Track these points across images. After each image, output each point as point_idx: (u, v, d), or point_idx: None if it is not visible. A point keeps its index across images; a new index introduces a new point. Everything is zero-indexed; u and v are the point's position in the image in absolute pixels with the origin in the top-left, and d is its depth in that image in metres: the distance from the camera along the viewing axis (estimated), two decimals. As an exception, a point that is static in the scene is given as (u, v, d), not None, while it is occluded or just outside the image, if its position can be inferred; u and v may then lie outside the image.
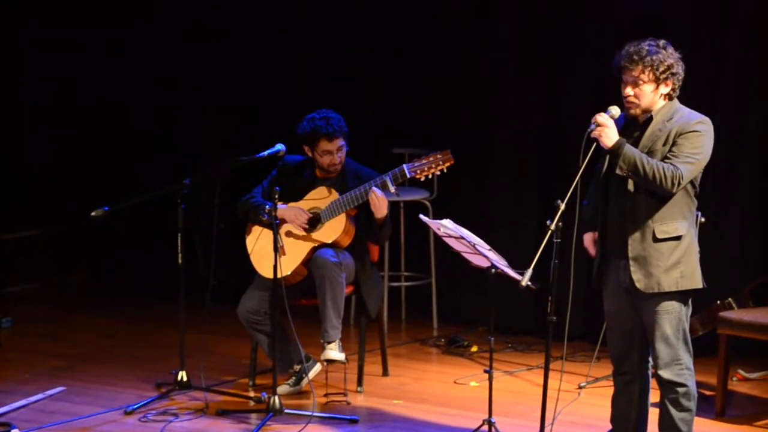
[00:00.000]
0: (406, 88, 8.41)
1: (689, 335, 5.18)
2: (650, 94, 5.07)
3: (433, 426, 6.18)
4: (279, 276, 6.09)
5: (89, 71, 9.27)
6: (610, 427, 5.46)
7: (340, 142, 6.51)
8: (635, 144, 5.07)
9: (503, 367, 7.19)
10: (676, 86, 5.12)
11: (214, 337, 7.56)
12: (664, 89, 5.09)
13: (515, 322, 7.90)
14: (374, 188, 6.34)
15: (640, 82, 5.06)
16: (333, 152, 6.51)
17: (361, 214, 6.54)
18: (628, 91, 5.08)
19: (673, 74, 5.08)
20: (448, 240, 5.53)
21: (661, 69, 5.05)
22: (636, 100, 5.08)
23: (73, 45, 9.20)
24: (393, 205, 7.87)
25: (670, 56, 5.08)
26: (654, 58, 5.04)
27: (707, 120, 5.09)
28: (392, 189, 6.38)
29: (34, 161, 9.26)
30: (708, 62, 7.23)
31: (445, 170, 6.37)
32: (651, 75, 5.05)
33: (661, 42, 5.10)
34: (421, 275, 8.28)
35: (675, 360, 5.13)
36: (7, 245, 9.08)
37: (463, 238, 5.37)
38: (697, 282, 5.12)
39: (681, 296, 5.11)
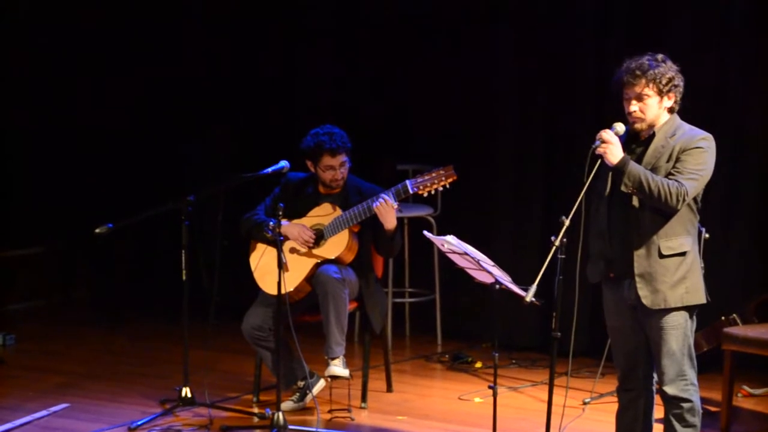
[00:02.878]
0: (410, 105, 8.43)
1: (694, 351, 5.18)
2: (655, 108, 5.09)
3: (437, 442, 6.18)
4: (283, 292, 6.09)
5: (90, 86, 9.29)
6: (615, 443, 5.45)
7: (343, 157, 6.52)
8: (638, 160, 5.08)
9: (507, 383, 7.19)
10: (678, 99, 5.14)
11: (218, 354, 7.55)
12: (668, 102, 5.12)
13: (519, 338, 7.89)
14: (384, 196, 6.34)
15: (645, 96, 5.07)
16: (336, 168, 6.52)
17: (366, 230, 6.54)
18: (633, 106, 5.09)
19: (675, 86, 5.11)
20: (452, 256, 5.52)
21: (664, 81, 5.08)
22: (642, 115, 5.09)
23: (74, 60, 9.23)
24: (397, 221, 7.85)
25: (671, 69, 5.11)
26: (656, 71, 5.06)
27: (710, 136, 5.10)
28: (395, 205, 6.39)
29: (37, 178, 9.27)
30: (710, 77, 7.24)
31: (448, 186, 6.38)
32: (655, 88, 5.07)
33: (660, 56, 5.13)
34: (425, 291, 8.27)
35: (680, 375, 5.12)
36: (11, 262, 9.08)
37: (466, 254, 5.37)
38: (701, 297, 5.12)
39: (686, 311, 5.11)
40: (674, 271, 5.07)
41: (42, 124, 9.27)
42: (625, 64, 5.13)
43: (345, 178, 6.58)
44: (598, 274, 5.22)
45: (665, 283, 5.06)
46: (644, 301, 5.08)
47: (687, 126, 5.14)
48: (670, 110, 5.14)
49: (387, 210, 6.35)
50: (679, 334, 5.10)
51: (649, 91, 5.07)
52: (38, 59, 9.16)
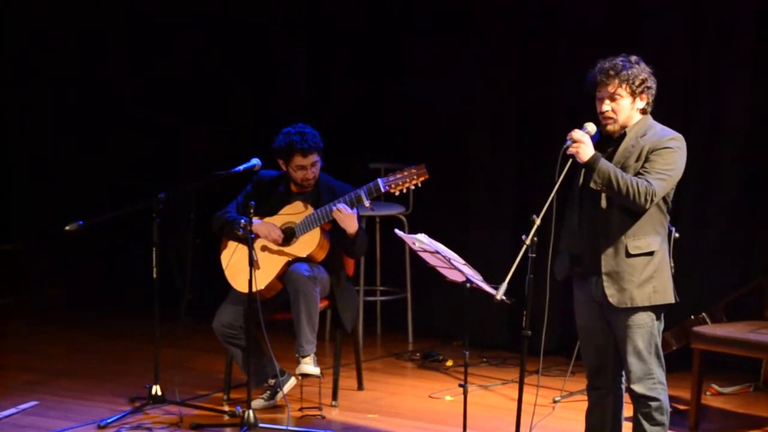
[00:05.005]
0: (382, 103, 8.43)
1: (662, 349, 5.21)
2: (627, 108, 5.11)
3: (407, 440, 6.19)
4: (254, 290, 6.09)
5: (66, 86, 9.25)
6: (584, 441, 5.47)
7: (315, 157, 6.52)
8: (608, 159, 5.10)
9: (478, 381, 7.21)
10: (650, 100, 5.17)
11: (189, 352, 7.54)
12: (640, 103, 5.14)
13: (490, 337, 7.91)
14: (339, 204, 6.36)
15: (617, 96, 5.10)
16: (307, 167, 6.53)
17: (337, 229, 6.55)
18: (605, 106, 5.11)
19: (648, 88, 5.14)
20: (423, 254, 5.53)
21: (637, 83, 5.10)
22: (614, 115, 5.11)
23: (49, 60, 9.18)
24: (369, 220, 7.88)
25: (644, 71, 5.14)
26: (629, 72, 5.09)
27: (680, 137, 5.13)
28: (367, 203, 6.40)
29: (9, 176, 9.23)
30: (682, 77, 7.27)
31: (419, 185, 6.40)
32: (627, 89, 5.09)
33: (633, 58, 5.15)
34: (396, 290, 8.28)
35: (647, 374, 5.15)
36: (-18, 259, 9.04)
37: (438, 252, 5.38)
38: (669, 297, 5.15)
39: (653, 311, 5.13)
40: (641, 271, 5.09)
41: (17, 124, 9.23)
42: (598, 64, 5.15)
43: (316, 177, 6.58)
44: (564, 270, 5.25)
45: (632, 282, 5.09)
46: (611, 299, 5.11)
47: (659, 126, 5.17)
48: (643, 111, 5.17)
49: (343, 217, 6.36)
50: (645, 333, 5.12)
51: (622, 92, 5.10)
52: (15, 59, 9.12)
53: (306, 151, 6.48)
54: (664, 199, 5.12)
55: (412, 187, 6.40)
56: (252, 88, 8.79)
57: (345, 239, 6.49)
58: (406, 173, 6.37)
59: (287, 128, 6.57)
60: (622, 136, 5.15)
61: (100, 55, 9.15)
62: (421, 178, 6.38)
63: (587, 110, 5.29)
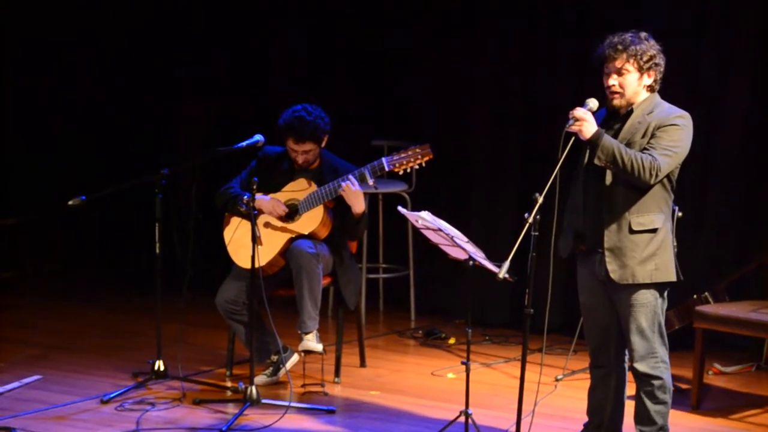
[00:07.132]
0: (386, 81, 8.41)
1: (665, 328, 5.21)
2: (634, 84, 5.10)
3: (409, 417, 6.18)
4: (256, 266, 6.09)
5: (66, 58, 9.23)
6: (586, 419, 5.48)
7: (308, 146, 6.49)
8: (615, 136, 5.10)
9: (480, 359, 7.21)
10: (658, 78, 5.15)
11: (192, 327, 7.54)
12: (647, 80, 5.13)
13: (493, 315, 7.92)
14: (347, 181, 6.34)
15: (625, 71, 5.08)
16: (298, 152, 6.51)
17: (340, 207, 6.54)
18: (612, 80, 5.10)
19: (656, 65, 5.13)
20: (426, 232, 5.53)
21: (645, 59, 5.09)
22: (621, 90, 5.10)
23: (45, 33, 9.16)
24: (372, 197, 7.87)
25: (653, 47, 5.13)
26: (638, 48, 5.07)
27: (687, 115, 5.12)
28: (371, 182, 6.39)
29: (10, 149, 9.22)
30: (686, 56, 7.25)
31: (423, 164, 6.38)
32: (635, 64, 5.08)
33: (643, 34, 5.14)
34: (399, 267, 8.28)
35: (650, 353, 5.15)
36: (-17, 233, 9.05)
37: (440, 230, 5.38)
38: (671, 275, 5.14)
39: (656, 289, 5.13)
40: (644, 247, 5.09)
41: (15, 97, 9.21)
42: (607, 39, 5.14)
43: (309, 162, 6.55)
44: (567, 247, 5.25)
45: (634, 258, 5.08)
46: (612, 275, 5.10)
47: (666, 104, 5.16)
48: (650, 89, 5.15)
49: (352, 194, 6.35)
50: (648, 311, 5.12)
51: (630, 67, 5.08)
52: (11, 33, 9.10)
53: (298, 138, 6.46)
54: (668, 177, 5.11)
55: (416, 167, 6.39)
56: (253, 64, 8.77)
57: (349, 219, 6.48)
58: (410, 153, 6.35)
59: (296, 106, 6.53)
60: (629, 112, 5.14)
61: (99, 32, 9.14)
62: (426, 158, 6.35)
63: (593, 86, 5.28)
